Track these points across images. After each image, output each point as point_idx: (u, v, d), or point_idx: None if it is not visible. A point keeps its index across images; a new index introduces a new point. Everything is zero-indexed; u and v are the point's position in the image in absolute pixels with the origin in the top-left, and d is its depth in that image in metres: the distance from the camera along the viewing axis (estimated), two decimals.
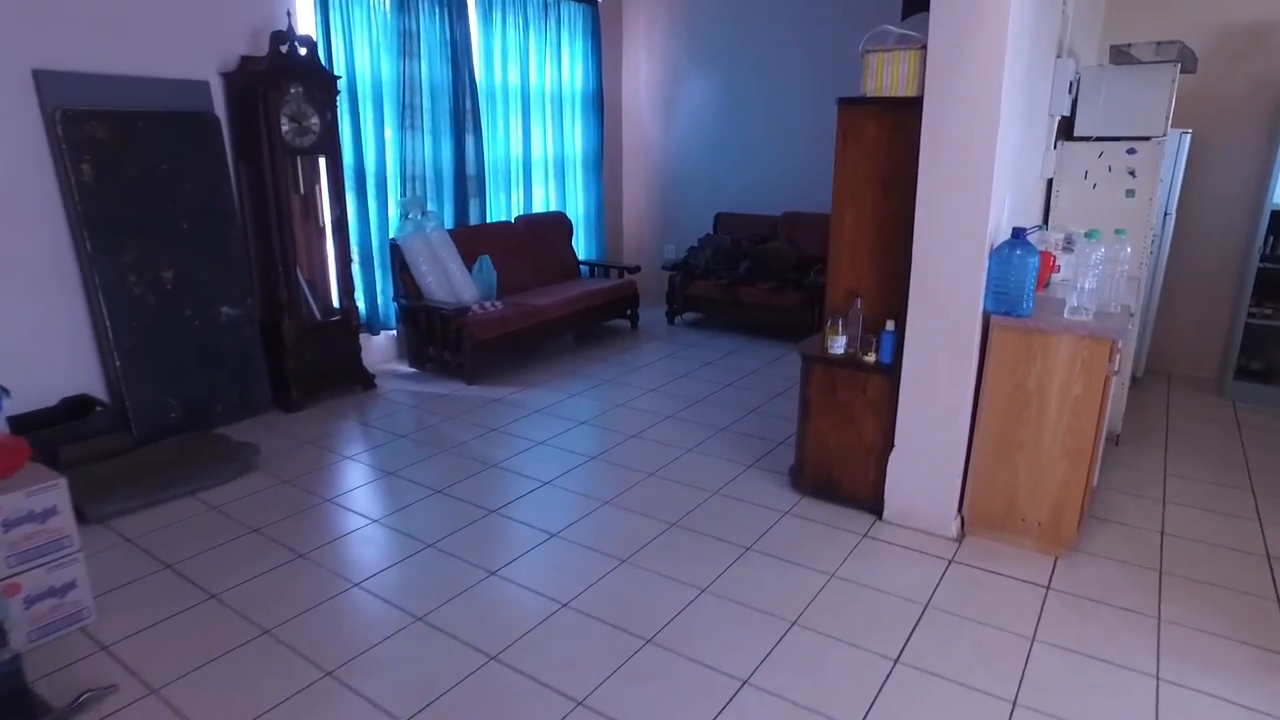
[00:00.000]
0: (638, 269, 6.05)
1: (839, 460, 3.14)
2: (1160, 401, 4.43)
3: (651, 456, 3.66)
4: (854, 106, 2.87)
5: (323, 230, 4.39)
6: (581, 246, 6.47)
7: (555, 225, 5.98)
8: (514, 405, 4.36)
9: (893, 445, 2.99)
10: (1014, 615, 2.46)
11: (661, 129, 6.72)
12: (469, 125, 5.26)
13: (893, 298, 2.95)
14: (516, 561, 2.77)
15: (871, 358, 2.98)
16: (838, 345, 3.03)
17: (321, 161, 4.28)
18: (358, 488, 3.37)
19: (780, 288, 5.49)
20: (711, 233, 6.31)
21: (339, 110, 4.41)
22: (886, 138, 2.83)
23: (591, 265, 6.20)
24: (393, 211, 4.95)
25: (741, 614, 2.47)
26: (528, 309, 4.97)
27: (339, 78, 4.26)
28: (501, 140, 5.64)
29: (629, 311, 5.92)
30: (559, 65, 5.96)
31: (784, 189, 6.15)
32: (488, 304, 4.93)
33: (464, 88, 5.17)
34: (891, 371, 2.94)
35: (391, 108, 4.83)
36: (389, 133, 4.85)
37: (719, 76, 6.31)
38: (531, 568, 2.74)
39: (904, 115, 2.76)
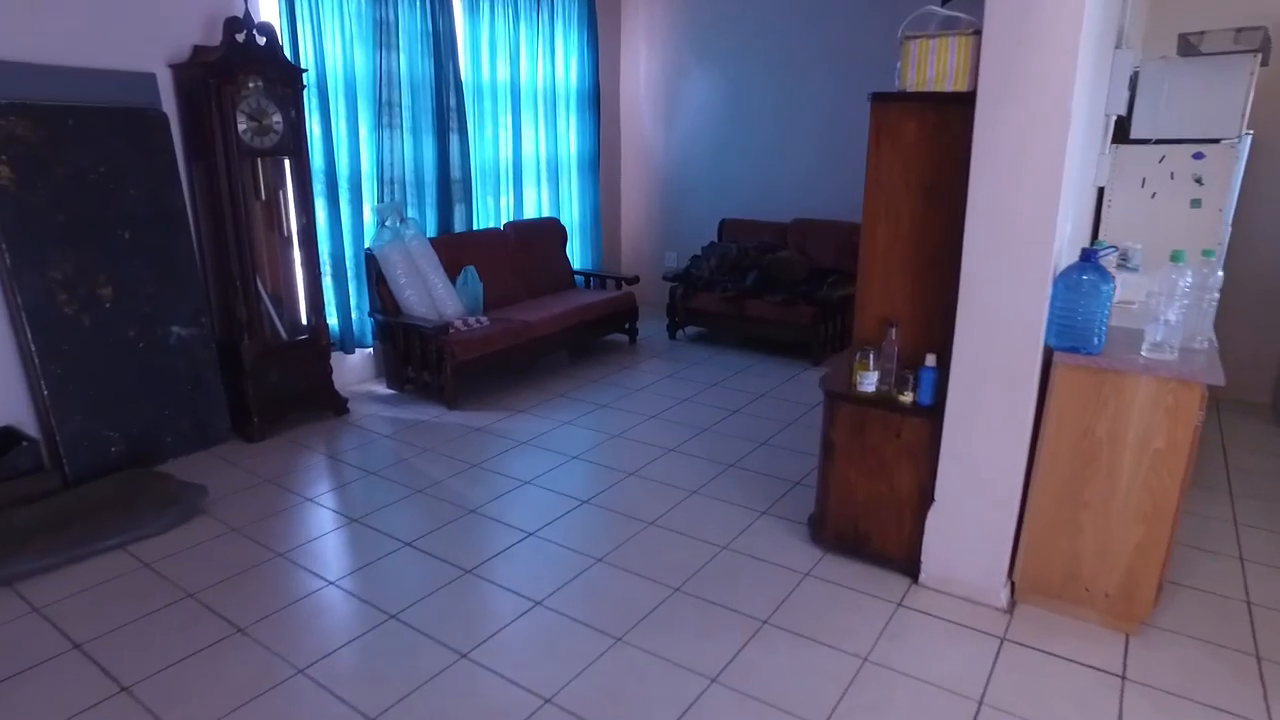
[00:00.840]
0: (636, 280, 5.62)
1: (868, 513, 2.72)
2: (1213, 431, 4.00)
3: (651, 500, 3.23)
4: (890, 103, 2.44)
5: (288, 240, 3.97)
6: (576, 255, 6.04)
7: (548, 233, 5.55)
8: (498, 435, 3.93)
9: (932, 499, 2.56)
10: (1088, 718, 2.04)
11: (663, 128, 6.29)
12: (453, 124, 4.83)
13: (934, 327, 2.53)
14: (492, 639, 2.35)
15: (908, 397, 2.55)
16: (868, 382, 2.61)
17: (286, 163, 3.86)
18: (316, 539, 2.95)
19: (791, 301, 5.06)
20: (716, 241, 5.88)
21: (307, 107, 3.99)
22: (929, 139, 2.40)
23: (587, 275, 5.77)
24: (368, 218, 4.52)
25: (760, 714, 2.04)
26: (515, 326, 4.55)
27: (305, 71, 3.83)
28: (489, 140, 5.21)
29: (627, 325, 5.50)
30: (552, 59, 5.53)
31: (795, 194, 5.72)
32: (472, 320, 4.51)
33: (447, 83, 4.74)
34: (932, 414, 2.51)
35: (367, 105, 4.40)
36: (364, 132, 4.43)
37: (725, 72, 5.88)
38: (509, 647, 2.31)
39: (951, 112, 2.33)
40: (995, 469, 2.42)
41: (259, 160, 3.75)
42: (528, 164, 5.56)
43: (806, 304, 5.03)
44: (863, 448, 2.67)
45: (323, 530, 3.01)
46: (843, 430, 2.69)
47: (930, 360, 2.50)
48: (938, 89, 2.32)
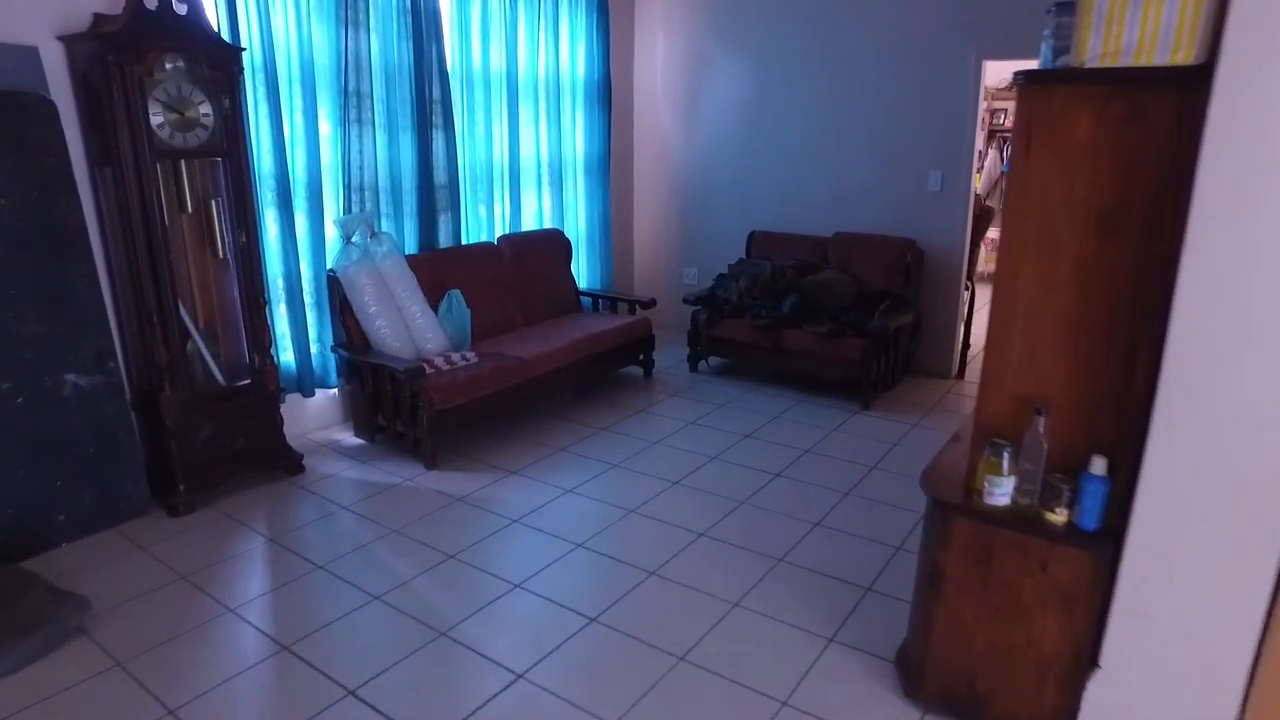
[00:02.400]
0: (653, 302, 4.82)
1: (992, 668, 1.92)
2: None
3: (681, 618, 2.44)
4: (1051, 87, 1.64)
5: (225, 262, 3.20)
6: (583, 273, 5.25)
7: (550, 247, 4.76)
8: (484, 509, 3.14)
9: (1095, 663, 1.77)
10: None
11: (683, 127, 5.49)
12: (437, 119, 4.04)
13: (1104, 417, 1.73)
14: None
15: (1061, 516, 1.76)
16: (1000, 491, 1.81)
17: (220, 166, 3.09)
18: (225, 681, 2.16)
19: (838, 332, 4.26)
20: (745, 257, 5.09)
21: (250, 96, 3.25)
22: (1113, 140, 1.60)
23: (595, 297, 4.97)
24: (331, 233, 3.74)
25: None
26: (508, 364, 3.76)
27: (243, 50, 3.06)
28: (481, 139, 4.42)
29: (642, 356, 4.70)
30: (556, 45, 4.74)
31: (836, 203, 4.92)
32: (456, 356, 3.72)
33: (430, 71, 3.96)
34: (1099, 542, 1.72)
35: (329, 94, 3.62)
36: (326, 128, 3.64)
37: (756, 61, 5.07)
38: None
39: (1155, 99, 1.54)
40: (1206, 634, 1.63)
41: (183, 162, 2.99)
42: (526, 167, 4.76)
43: (856, 335, 4.22)
44: (987, 581, 1.87)
45: (239, 665, 2.23)
46: (958, 555, 1.89)
47: (1098, 466, 1.70)
48: (1138, 63, 1.52)
